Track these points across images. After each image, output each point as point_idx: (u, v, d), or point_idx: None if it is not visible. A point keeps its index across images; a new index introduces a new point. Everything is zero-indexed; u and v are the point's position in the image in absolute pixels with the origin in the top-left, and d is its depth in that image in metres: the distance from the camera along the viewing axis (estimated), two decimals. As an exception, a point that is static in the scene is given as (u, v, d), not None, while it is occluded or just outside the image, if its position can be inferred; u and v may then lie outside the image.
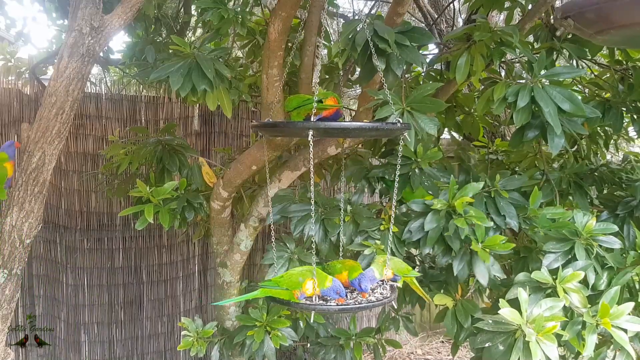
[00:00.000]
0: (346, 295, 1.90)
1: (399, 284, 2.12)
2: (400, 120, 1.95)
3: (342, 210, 2.34)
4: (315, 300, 1.86)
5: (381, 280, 2.06)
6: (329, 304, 1.86)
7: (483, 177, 2.54)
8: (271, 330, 2.56)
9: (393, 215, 2.11)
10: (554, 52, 2.61)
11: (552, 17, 2.77)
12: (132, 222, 4.10)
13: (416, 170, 2.50)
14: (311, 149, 1.68)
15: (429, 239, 2.21)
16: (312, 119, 1.80)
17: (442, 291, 2.57)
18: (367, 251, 2.27)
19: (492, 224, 2.13)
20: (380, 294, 1.98)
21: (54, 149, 2.13)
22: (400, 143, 1.91)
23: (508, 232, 2.51)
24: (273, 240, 2.14)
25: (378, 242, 2.33)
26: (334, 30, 4.90)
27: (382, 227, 2.39)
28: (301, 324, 2.88)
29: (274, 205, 2.53)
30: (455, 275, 2.28)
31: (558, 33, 2.56)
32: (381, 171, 2.61)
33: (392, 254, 2.36)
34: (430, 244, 2.23)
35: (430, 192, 2.47)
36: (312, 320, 2.16)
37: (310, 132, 1.63)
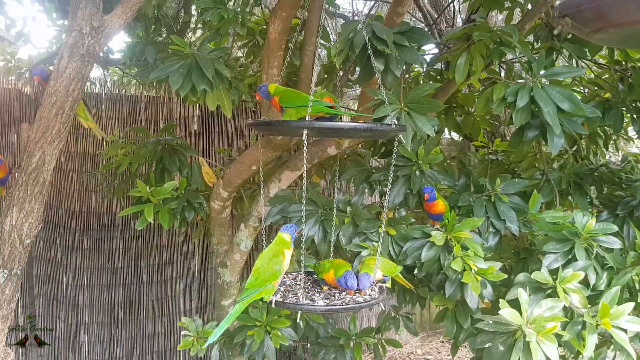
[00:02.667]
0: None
1: (388, 285, 2.13)
2: (397, 121, 1.95)
3: (335, 211, 2.34)
4: (302, 299, 1.86)
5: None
6: (315, 303, 1.86)
7: (483, 180, 2.54)
8: (271, 330, 2.56)
9: (385, 218, 2.11)
10: (554, 52, 2.61)
11: (551, 16, 2.77)
12: (132, 222, 4.09)
13: (417, 172, 2.49)
14: (305, 148, 1.68)
15: (424, 266, 2.25)
16: (307, 119, 1.80)
17: (442, 292, 2.58)
18: (364, 252, 2.28)
19: (486, 266, 2.14)
20: (369, 295, 1.98)
21: (54, 149, 2.13)
22: (395, 145, 1.91)
23: (508, 232, 2.51)
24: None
25: (376, 244, 2.33)
26: (333, 30, 4.90)
27: (380, 230, 2.39)
28: (301, 324, 2.88)
29: (274, 205, 2.53)
30: (447, 297, 2.30)
31: (555, 32, 2.56)
32: (382, 174, 2.61)
33: (390, 256, 2.37)
34: (425, 270, 2.27)
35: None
36: (298, 320, 2.17)
37: (305, 131, 1.63)
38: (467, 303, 2.28)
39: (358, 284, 1.90)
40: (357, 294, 2.00)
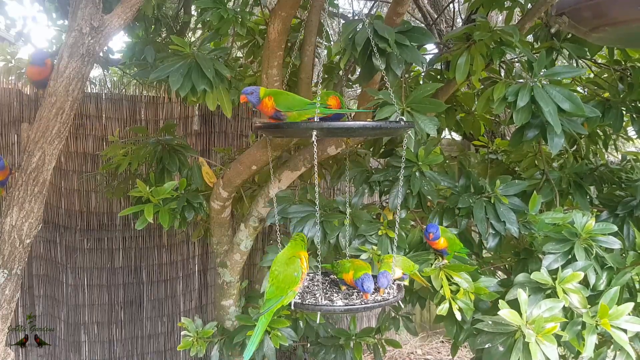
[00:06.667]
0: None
1: (406, 283, 2.12)
2: (404, 118, 1.95)
3: (347, 212, 2.34)
4: (321, 300, 1.85)
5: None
6: (334, 304, 1.86)
7: (483, 181, 2.54)
8: (271, 330, 2.56)
9: (398, 223, 2.11)
10: (554, 52, 2.61)
11: (549, 15, 2.77)
12: (132, 222, 4.09)
13: (417, 173, 2.49)
14: (315, 150, 1.68)
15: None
16: (315, 119, 1.80)
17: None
18: (363, 256, 2.27)
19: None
20: (387, 293, 1.98)
21: (54, 149, 2.13)
22: (405, 141, 1.91)
23: (509, 233, 2.51)
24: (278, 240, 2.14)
25: (375, 247, 2.32)
26: (334, 30, 4.89)
27: (380, 232, 2.39)
28: (301, 324, 2.87)
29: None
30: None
31: (553, 30, 2.56)
32: (382, 175, 2.61)
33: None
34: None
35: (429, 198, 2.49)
36: (317, 322, 2.16)
37: (314, 133, 1.63)
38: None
39: (377, 282, 1.91)
40: (376, 293, 1.99)
